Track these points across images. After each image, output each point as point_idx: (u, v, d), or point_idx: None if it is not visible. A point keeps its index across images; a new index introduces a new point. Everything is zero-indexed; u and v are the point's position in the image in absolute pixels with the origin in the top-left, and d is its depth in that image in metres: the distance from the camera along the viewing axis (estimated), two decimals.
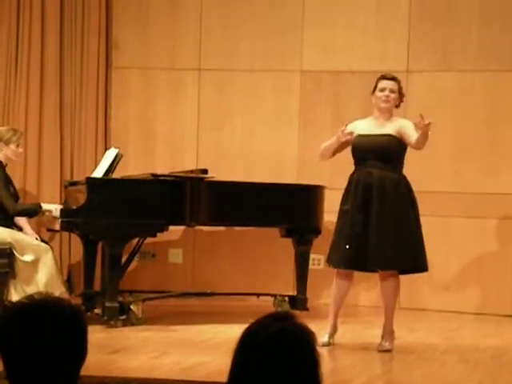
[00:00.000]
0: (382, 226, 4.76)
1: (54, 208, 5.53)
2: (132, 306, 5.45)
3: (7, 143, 5.64)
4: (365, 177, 4.85)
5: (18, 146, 5.72)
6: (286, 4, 6.89)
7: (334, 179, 6.65)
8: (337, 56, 6.80)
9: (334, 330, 5.00)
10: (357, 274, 5.02)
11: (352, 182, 4.91)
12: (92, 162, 6.72)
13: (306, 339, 1.72)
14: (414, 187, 4.96)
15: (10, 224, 5.69)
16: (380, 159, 4.85)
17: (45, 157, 6.81)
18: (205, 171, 5.86)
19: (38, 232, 6.07)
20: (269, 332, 1.67)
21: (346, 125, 5.00)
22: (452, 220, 6.64)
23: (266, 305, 5.99)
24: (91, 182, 5.47)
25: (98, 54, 6.88)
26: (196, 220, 5.60)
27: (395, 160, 4.90)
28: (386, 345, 4.87)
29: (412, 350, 4.93)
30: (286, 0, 6.89)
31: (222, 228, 6.71)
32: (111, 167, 5.72)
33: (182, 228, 6.67)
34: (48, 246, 5.60)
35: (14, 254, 5.42)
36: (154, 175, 5.62)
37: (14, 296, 5.33)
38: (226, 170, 6.54)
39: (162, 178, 5.61)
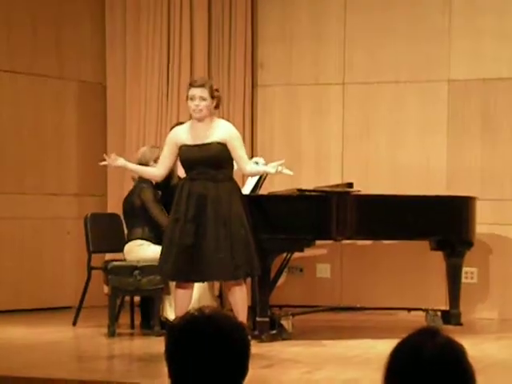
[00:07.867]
0: (218, 236, 4.69)
1: None
2: (282, 321, 5.48)
3: (156, 161, 5.81)
4: (199, 187, 4.79)
5: None
6: (432, 13, 6.76)
7: (484, 190, 6.45)
8: (486, 64, 6.61)
9: None
10: None
11: (183, 191, 4.82)
12: (239, 179, 6.82)
13: (462, 354, 1.69)
14: None
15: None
16: (211, 167, 4.80)
17: None
18: (350, 185, 5.83)
19: None
20: (426, 349, 1.64)
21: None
22: None
23: (417, 320, 5.86)
24: None
25: (244, 72, 7.05)
26: (343, 234, 5.57)
27: (226, 166, 4.86)
28: None
29: None
30: (431, 9, 6.77)
31: (368, 242, 6.64)
32: (258, 184, 5.80)
33: (329, 242, 6.66)
34: None
35: None
36: (299, 190, 5.64)
37: (169, 311, 5.48)
38: (372, 183, 6.48)
39: (307, 193, 5.62)
